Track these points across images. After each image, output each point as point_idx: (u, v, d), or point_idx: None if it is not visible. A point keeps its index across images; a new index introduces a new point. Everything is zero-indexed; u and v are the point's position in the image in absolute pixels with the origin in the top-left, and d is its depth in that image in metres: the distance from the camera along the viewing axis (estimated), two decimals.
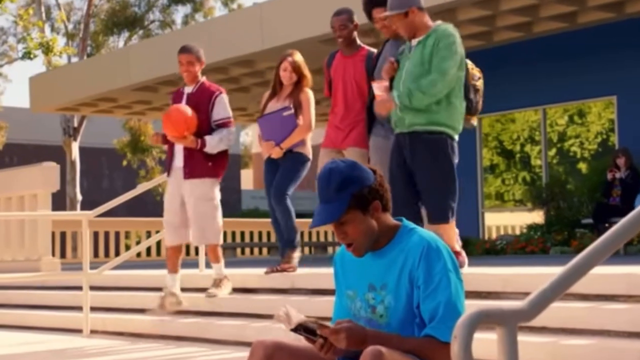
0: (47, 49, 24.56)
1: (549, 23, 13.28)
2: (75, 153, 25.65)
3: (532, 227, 13.29)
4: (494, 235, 14.79)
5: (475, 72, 6.14)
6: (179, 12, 36.94)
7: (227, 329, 6.55)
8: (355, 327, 2.91)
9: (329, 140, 6.78)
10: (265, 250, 19.00)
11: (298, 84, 7.08)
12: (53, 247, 15.73)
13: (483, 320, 1.96)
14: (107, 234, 17.53)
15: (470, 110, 6.08)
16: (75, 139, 25.73)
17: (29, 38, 24.91)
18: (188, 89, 7.06)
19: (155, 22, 32.82)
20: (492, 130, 15.34)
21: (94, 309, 7.67)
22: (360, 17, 6.78)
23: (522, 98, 14.50)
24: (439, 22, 5.75)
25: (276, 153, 7.03)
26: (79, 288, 7.49)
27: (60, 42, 28.19)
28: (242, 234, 19.39)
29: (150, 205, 29.02)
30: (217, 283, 6.98)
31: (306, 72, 7.07)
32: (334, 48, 7.21)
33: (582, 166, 14.25)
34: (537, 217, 13.72)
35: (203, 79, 7.08)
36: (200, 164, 6.87)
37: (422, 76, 5.58)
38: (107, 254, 17.22)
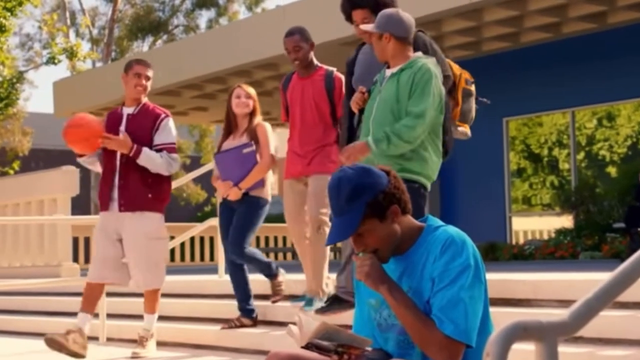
0: (71, 54, 24.58)
1: (577, 24, 13.04)
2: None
3: (561, 232, 13.06)
4: (521, 240, 14.56)
5: (467, 76, 5.50)
6: (203, 17, 37.02)
7: (247, 337, 6.36)
8: (378, 266, 2.78)
9: (291, 170, 6.18)
10: (280, 255, 18.78)
11: (252, 117, 6.50)
12: (76, 253, 15.67)
13: (520, 335, 1.73)
14: None
15: (465, 119, 5.41)
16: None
17: (54, 43, 24.97)
18: (128, 110, 6.22)
19: (179, 26, 32.79)
20: (519, 134, 15.10)
21: (110, 315, 7.51)
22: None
23: (549, 101, 14.24)
24: (418, 54, 4.93)
25: (234, 194, 6.37)
26: None
27: (84, 47, 28.22)
28: (257, 239, 19.21)
29: (173, 211, 28.91)
30: (143, 341, 6.23)
31: (257, 103, 6.55)
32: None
33: (612, 170, 13.96)
34: (566, 221, 13.49)
35: (145, 99, 6.27)
36: (138, 196, 6.08)
37: (394, 115, 4.80)
38: None
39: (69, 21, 28.15)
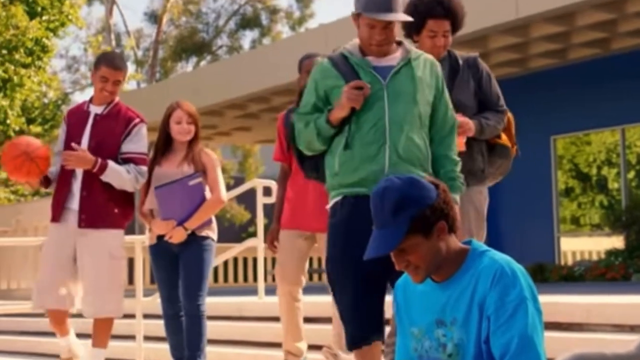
0: None
1: (627, 39, 12.77)
2: None
3: (611, 253, 12.74)
4: (570, 261, 14.25)
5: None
6: (247, 37, 37.08)
7: None
8: None
9: (298, 222, 5.23)
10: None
11: (193, 142, 5.44)
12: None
13: None
14: None
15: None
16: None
17: None
18: (96, 109, 5.31)
19: (223, 47, 32.90)
20: (566, 153, 14.81)
21: (147, 338, 7.36)
22: None
23: (598, 118, 13.94)
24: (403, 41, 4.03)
25: (179, 236, 5.34)
26: (133, 316, 7.18)
27: (129, 68, 28.43)
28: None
29: (217, 232, 28.87)
30: None
31: (200, 125, 5.52)
32: None
33: None
34: (616, 241, 13.17)
35: (117, 99, 5.38)
36: (103, 209, 5.19)
37: (416, 113, 3.84)
38: None
39: (114, 43, 28.36)
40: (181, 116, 5.41)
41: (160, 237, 5.42)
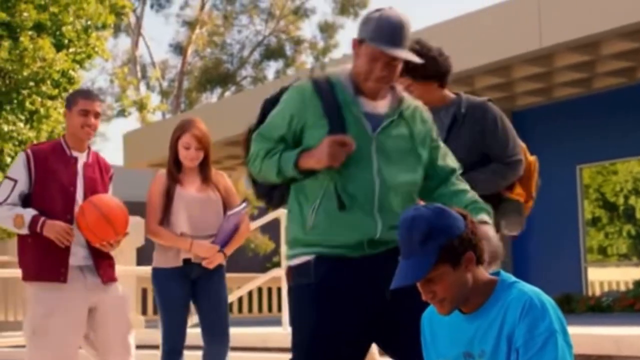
0: (141, 106, 24.96)
1: None
2: None
3: None
4: (597, 292, 14.10)
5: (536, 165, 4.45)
6: (271, 68, 37.26)
7: None
8: None
9: None
10: None
11: (205, 164, 5.20)
12: (144, 304, 15.63)
13: None
14: None
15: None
16: None
17: (124, 96, 25.37)
18: (80, 155, 4.80)
19: (247, 77, 33.07)
20: (593, 182, 14.71)
21: None
22: None
23: (625, 147, 13.84)
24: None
25: (217, 262, 5.14)
26: (157, 347, 7.15)
27: (154, 99, 28.63)
28: None
29: (240, 262, 28.87)
30: None
31: (210, 145, 5.22)
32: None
33: None
34: None
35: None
36: (111, 262, 4.81)
37: (411, 164, 3.43)
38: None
39: (139, 74, 28.59)
40: (189, 142, 5.14)
41: (186, 261, 5.13)
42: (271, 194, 3.52)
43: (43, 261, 4.59)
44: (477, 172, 4.07)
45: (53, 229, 4.54)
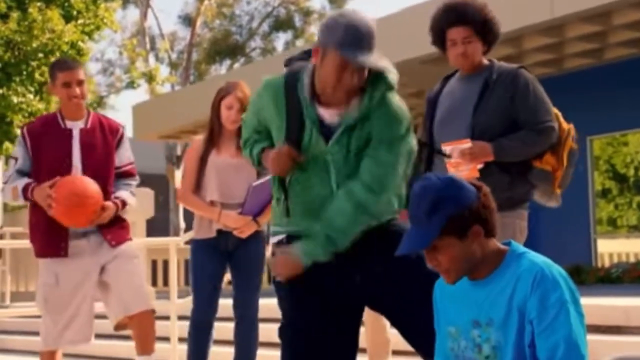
0: (150, 78, 24.92)
1: None
2: (178, 181, 25.78)
3: None
4: (607, 263, 14.10)
5: (574, 132, 4.43)
6: (280, 39, 37.14)
7: None
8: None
9: None
10: None
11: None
12: (155, 276, 15.68)
13: None
14: None
15: (564, 184, 4.47)
16: (178, 167, 25.89)
17: (133, 68, 25.32)
18: (76, 124, 4.81)
19: (256, 49, 32.97)
20: (603, 154, 14.66)
21: (182, 340, 7.36)
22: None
23: (635, 118, 13.78)
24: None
25: (250, 231, 5.05)
26: (167, 318, 7.19)
27: (163, 71, 28.58)
28: None
29: None
30: None
31: None
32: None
33: None
34: None
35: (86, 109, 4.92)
36: (124, 224, 4.87)
37: None
38: None
39: (148, 46, 28.52)
40: (232, 103, 5.05)
41: (220, 232, 5.07)
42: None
43: (45, 238, 4.74)
44: (505, 139, 4.04)
45: (39, 194, 4.62)
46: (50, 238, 4.71)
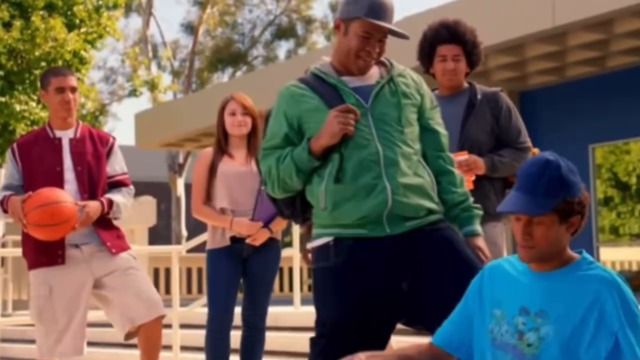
0: (152, 86, 24.95)
1: None
2: (180, 189, 25.81)
3: None
4: None
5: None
6: (282, 48, 37.20)
7: None
8: None
9: None
10: None
11: (252, 136, 5.14)
12: (157, 284, 15.68)
13: None
14: (200, 270, 17.25)
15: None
16: (180, 175, 25.90)
17: (135, 76, 25.35)
18: (65, 134, 4.76)
19: (258, 57, 33.02)
20: (605, 162, 14.66)
21: (184, 348, 7.37)
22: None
23: (637, 127, 13.78)
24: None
25: (262, 238, 5.05)
26: (169, 326, 7.19)
27: (166, 79, 28.62)
28: None
29: None
30: None
31: (259, 118, 5.09)
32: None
33: None
34: None
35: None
36: (119, 233, 4.81)
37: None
38: (200, 291, 16.97)
39: (150, 54, 28.56)
40: (235, 108, 5.10)
41: (234, 239, 5.08)
42: (294, 205, 3.46)
43: (40, 248, 4.64)
44: (495, 155, 4.35)
45: (12, 208, 4.57)
46: (47, 246, 4.61)
